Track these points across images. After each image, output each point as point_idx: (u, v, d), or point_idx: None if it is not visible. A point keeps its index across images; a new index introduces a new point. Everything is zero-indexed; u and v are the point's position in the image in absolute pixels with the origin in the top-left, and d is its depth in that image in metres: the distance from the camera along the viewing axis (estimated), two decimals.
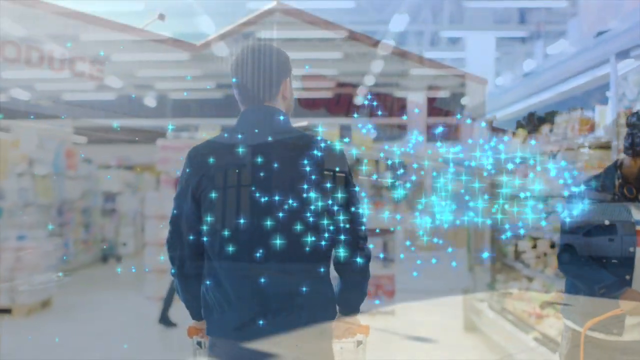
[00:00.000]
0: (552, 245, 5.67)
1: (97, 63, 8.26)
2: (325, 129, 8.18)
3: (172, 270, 2.12)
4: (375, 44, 10.90)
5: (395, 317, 6.97)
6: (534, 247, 5.72)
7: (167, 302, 6.53)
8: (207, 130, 7.43)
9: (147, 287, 7.03)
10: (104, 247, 12.99)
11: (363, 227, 2.10)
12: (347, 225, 2.06)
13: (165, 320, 6.50)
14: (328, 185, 2.02)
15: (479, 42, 11.64)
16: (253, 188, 1.98)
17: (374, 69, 10.70)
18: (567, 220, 2.59)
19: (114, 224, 13.47)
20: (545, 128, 5.08)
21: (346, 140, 7.56)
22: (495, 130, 6.41)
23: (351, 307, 2.12)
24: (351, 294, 2.11)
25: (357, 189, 2.13)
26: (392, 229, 7.44)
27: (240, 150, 2.00)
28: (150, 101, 9.75)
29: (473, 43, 11.80)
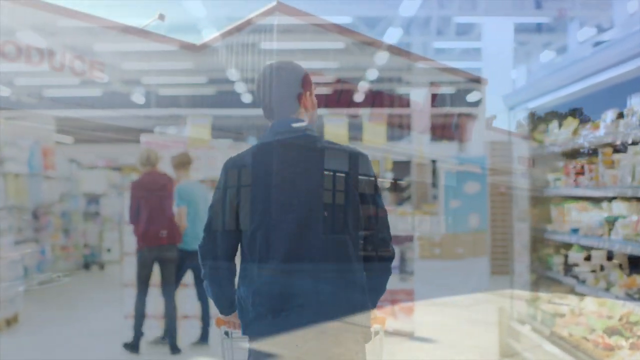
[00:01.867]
0: (610, 257, 4.74)
1: (98, 62, 7.71)
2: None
3: (203, 273, 2.24)
4: (378, 44, 10.22)
5: (416, 338, 6.03)
6: (587, 258, 4.79)
7: (138, 330, 5.57)
8: (195, 122, 6.56)
9: (126, 305, 6.04)
10: (86, 253, 12.05)
11: (388, 229, 2.23)
12: (374, 228, 2.18)
13: (133, 346, 5.54)
14: (355, 190, 2.13)
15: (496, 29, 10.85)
16: (285, 195, 2.11)
17: (373, 74, 10.08)
18: None
19: (97, 229, 12.54)
20: (610, 114, 4.14)
21: None
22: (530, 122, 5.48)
23: (370, 303, 2.19)
24: (372, 292, 2.19)
25: (381, 193, 2.24)
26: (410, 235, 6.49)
27: (271, 160, 2.14)
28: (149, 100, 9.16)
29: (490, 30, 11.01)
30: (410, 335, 6.03)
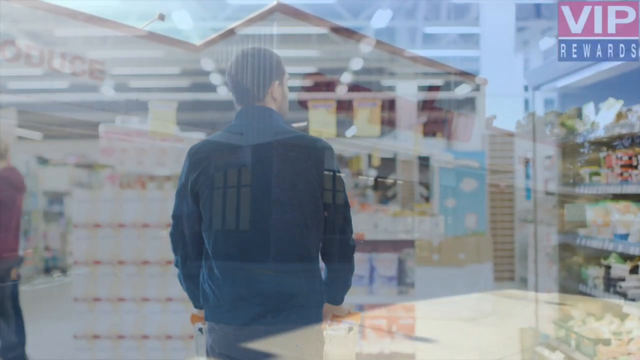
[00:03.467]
0: None
1: (98, 63, 7.00)
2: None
3: (175, 261, 2.24)
4: (361, 38, 9.57)
5: None
6: (633, 270, 3.93)
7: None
8: (157, 108, 5.66)
9: (76, 322, 5.09)
10: (47, 256, 11.09)
11: (349, 222, 2.22)
12: (336, 221, 2.16)
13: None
14: (316, 182, 2.11)
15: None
16: (244, 184, 2.08)
17: (359, 65, 9.44)
18: None
19: (60, 230, 11.55)
20: None
21: None
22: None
23: (336, 298, 2.22)
24: (337, 286, 2.22)
25: (344, 186, 2.21)
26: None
27: (234, 148, 2.13)
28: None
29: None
30: (411, 358, 5.15)
